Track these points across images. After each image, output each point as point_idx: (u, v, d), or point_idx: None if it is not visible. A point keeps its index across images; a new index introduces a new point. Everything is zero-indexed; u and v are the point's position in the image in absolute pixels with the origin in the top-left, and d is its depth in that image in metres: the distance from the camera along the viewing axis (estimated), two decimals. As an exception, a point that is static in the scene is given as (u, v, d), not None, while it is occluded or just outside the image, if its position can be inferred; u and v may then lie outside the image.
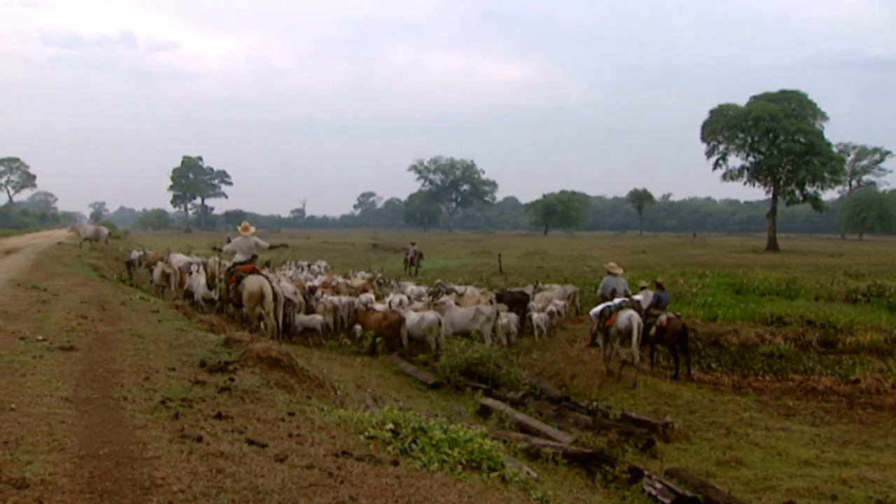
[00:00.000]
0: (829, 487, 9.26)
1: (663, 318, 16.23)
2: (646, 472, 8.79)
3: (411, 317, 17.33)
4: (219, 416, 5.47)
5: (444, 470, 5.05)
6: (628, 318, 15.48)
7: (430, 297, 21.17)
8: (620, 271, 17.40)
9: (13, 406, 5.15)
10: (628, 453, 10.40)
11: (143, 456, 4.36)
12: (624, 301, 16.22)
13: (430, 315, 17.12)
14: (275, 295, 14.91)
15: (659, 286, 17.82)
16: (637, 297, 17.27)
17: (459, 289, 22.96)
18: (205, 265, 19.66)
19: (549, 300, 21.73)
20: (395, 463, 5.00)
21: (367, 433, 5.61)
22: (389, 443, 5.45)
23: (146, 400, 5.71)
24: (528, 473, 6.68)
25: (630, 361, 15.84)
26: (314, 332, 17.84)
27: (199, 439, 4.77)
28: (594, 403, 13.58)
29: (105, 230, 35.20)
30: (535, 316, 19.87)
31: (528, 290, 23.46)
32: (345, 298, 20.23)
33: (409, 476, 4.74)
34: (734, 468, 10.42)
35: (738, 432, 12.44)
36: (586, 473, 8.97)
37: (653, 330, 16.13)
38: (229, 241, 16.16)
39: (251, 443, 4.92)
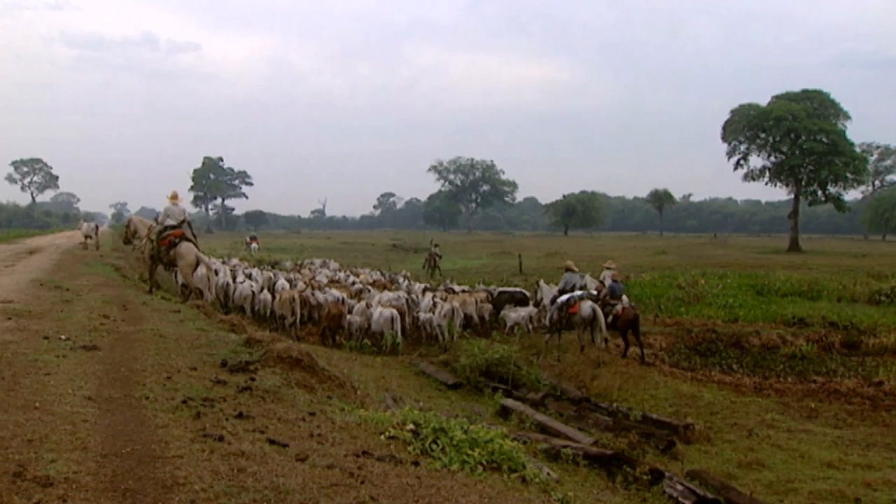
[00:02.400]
0: (852, 490, 9.17)
1: (619, 307, 17.94)
2: (667, 474, 8.75)
3: (375, 313, 19.13)
4: (240, 416, 5.50)
5: (465, 470, 5.05)
6: (591, 307, 17.29)
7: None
8: (577, 269, 19.40)
9: (37, 405, 5.20)
10: (649, 455, 10.36)
11: (165, 455, 4.39)
12: (583, 293, 18.07)
13: (387, 312, 18.93)
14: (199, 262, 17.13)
15: (614, 280, 19.15)
16: (593, 280, 20.31)
17: (457, 288, 24.38)
18: (128, 223, 21.51)
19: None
20: (416, 463, 4.99)
21: (387, 433, 5.61)
22: (410, 443, 5.44)
23: (168, 399, 5.74)
24: (548, 474, 6.66)
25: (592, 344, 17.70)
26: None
27: (221, 439, 4.79)
28: (614, 404, 13.55)
29: (94, 224, 36.67)
30: (511, 315, 20.55)
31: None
32: (330, 296, 21.26)
33: (429, 476, 4.73)
34: (756, 470, 10.33)
35: (759, 434, 12.33)
36: (607, 475, 8.95)
37: (609, 318, 17.65)
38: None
39: (272, 442, 4.93)
